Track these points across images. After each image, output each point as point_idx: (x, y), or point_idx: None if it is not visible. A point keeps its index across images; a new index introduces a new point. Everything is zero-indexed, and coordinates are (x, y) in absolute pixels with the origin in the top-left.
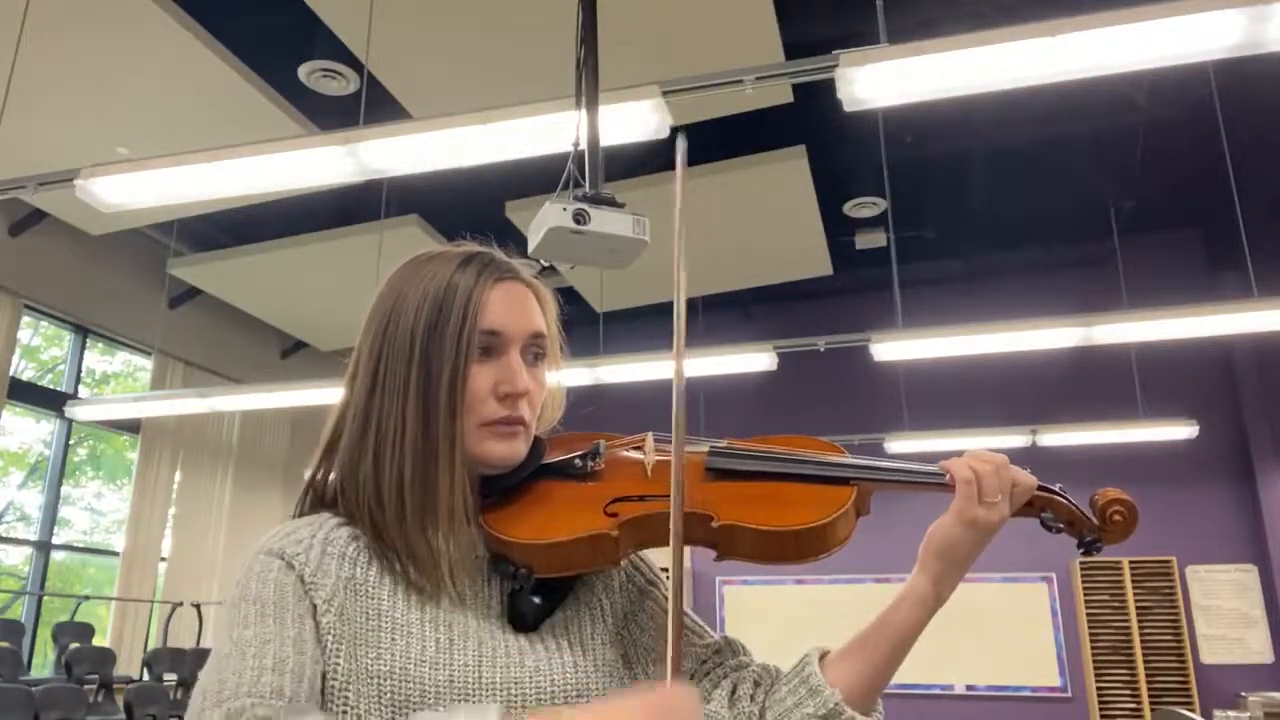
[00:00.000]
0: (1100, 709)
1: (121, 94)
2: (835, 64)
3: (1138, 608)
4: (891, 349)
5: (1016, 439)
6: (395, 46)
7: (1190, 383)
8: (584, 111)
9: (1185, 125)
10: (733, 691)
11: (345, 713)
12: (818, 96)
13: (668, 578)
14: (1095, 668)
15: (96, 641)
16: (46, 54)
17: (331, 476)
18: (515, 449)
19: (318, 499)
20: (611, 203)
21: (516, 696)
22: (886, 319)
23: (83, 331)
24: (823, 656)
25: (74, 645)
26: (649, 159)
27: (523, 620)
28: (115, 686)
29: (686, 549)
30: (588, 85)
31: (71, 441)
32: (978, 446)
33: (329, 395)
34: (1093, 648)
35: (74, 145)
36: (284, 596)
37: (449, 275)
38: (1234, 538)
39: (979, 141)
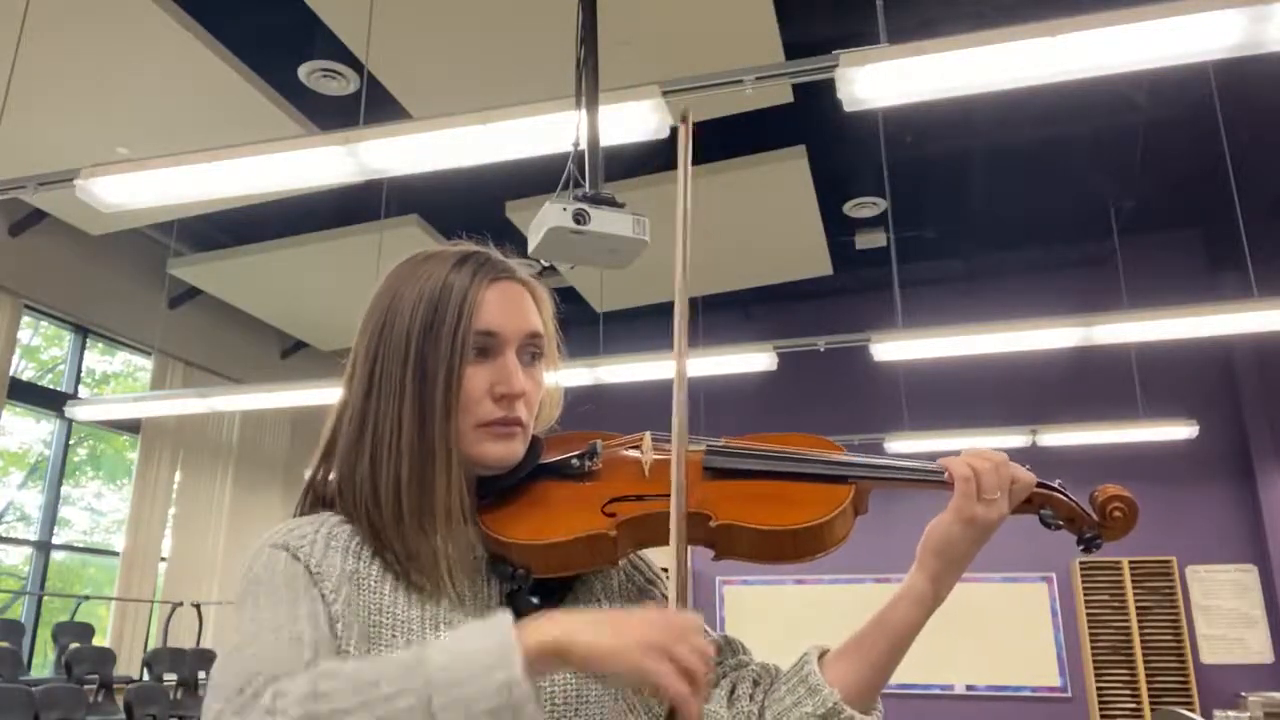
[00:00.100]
0: (1100, 709)
1: (121, 94)
2: (835, 64)
3: (1138, 608)
4: (891, 349)
5: (1016, 439)
6: (395, 46)
7: (1190, 383)
8: (584, 111)
9: (1185, 125)
10: (732, 691)
11: None
12: (818, 96)
13: (668, 578)
14: (1095, 668)
15: (96, 641)
16: (46, 54)
17: (331, 477)
18: (512, 449)
19: (318, 500)
20: (611, 203)
21: None
22: (886, 319)
23: (83, 331)
24: (822, 655)
25: (74, 645)
26: (649, 159)
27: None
28: (115, 686)
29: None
30: (588, 85)
31: (71, 441)
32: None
33: (329, 395)
34: (1093, 648)
35: (74, 145)
36: (295, 581)
37: (444, 275)
38: (1234, 538)
39: (979, 141)
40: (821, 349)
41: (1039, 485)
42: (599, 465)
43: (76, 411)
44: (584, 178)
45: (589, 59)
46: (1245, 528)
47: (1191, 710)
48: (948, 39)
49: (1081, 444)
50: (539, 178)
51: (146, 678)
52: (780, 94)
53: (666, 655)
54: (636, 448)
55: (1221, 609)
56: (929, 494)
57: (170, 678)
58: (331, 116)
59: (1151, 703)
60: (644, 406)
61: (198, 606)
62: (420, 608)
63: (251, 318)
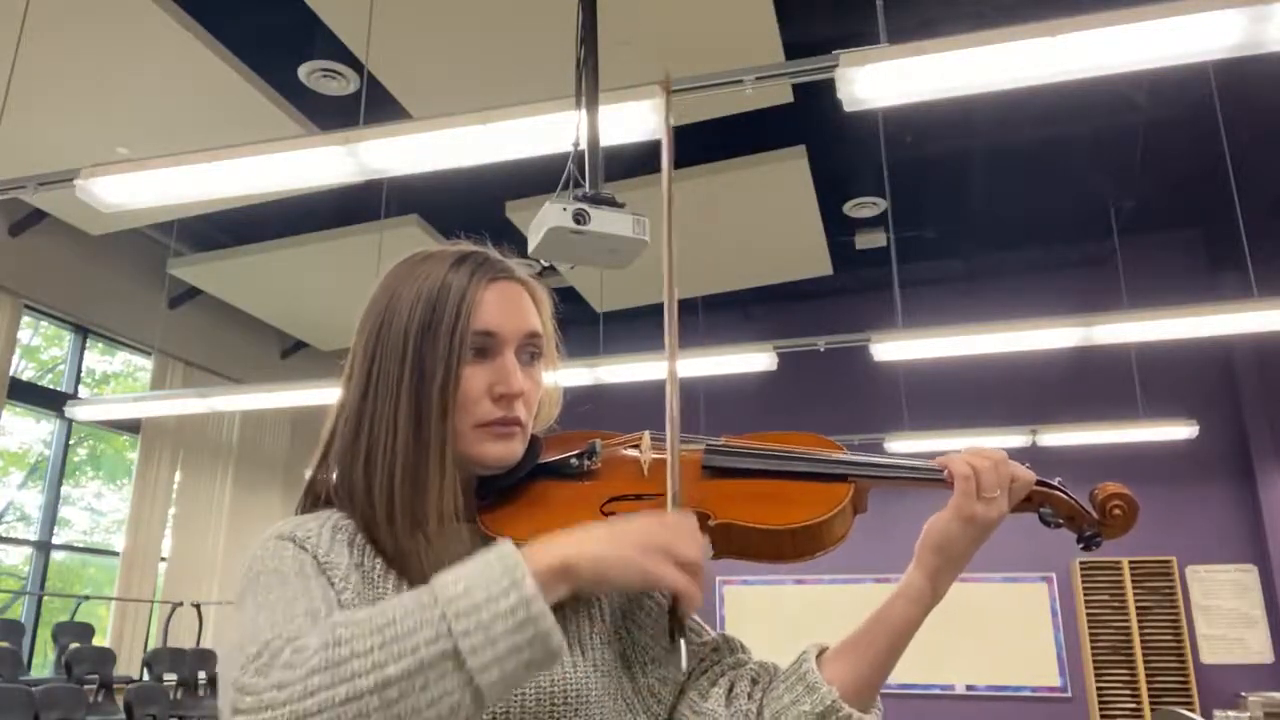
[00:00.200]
0: (1100, 709)
1: (121, 94)
2: (835, 64)
3: (1138, 608)
4: (891, 349)
5: (1016, 439)
6: (395, 46)
7: (1190, 383)
8: (584, 111)
9: (1185, 125)
10: (730, 689)
11: None
12: (818, 96)
13: None
14: (1095, 668)
15: (96, 641)
16: (46, 54)
17: (331, 477)
18: (511, 449)
19: (319, 499)
20: (611, 203)
21: (515, 696)
22: (886, 319)
23: (83, 331)
24: (820, 654)
25: (74, 645)
26: (649, 159)
27: None
28: (115, 686)
29: None
30: (588, 85)
31: (71, 441)
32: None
33: (329, 395)
34: (1093, 648)
35: (74, 145)
36: (304, 569)
37: (443, 275)
38: (1234, 538)
39: (979, 141)
40: (821, 349)
41: (1039, 483)
42: (598, 465)
43: (76, 411)
44: (584, 178)
45: (589, 59)
46: (1245, 528)
47: (1191, 710)
48: (948, 39)
49: (1081, 444)
50: (539, 178)
51: (146, 678)
52: (780, 94)
53: (665, 554)
54: (635, 447)
55: (1221, 609)
56: (928, 493)
57: (170, 678)
58: (331, 116)
59: (1151, 703)
60: (643, 406)
61: (198, 606)
62: None
63: (251, 318)
